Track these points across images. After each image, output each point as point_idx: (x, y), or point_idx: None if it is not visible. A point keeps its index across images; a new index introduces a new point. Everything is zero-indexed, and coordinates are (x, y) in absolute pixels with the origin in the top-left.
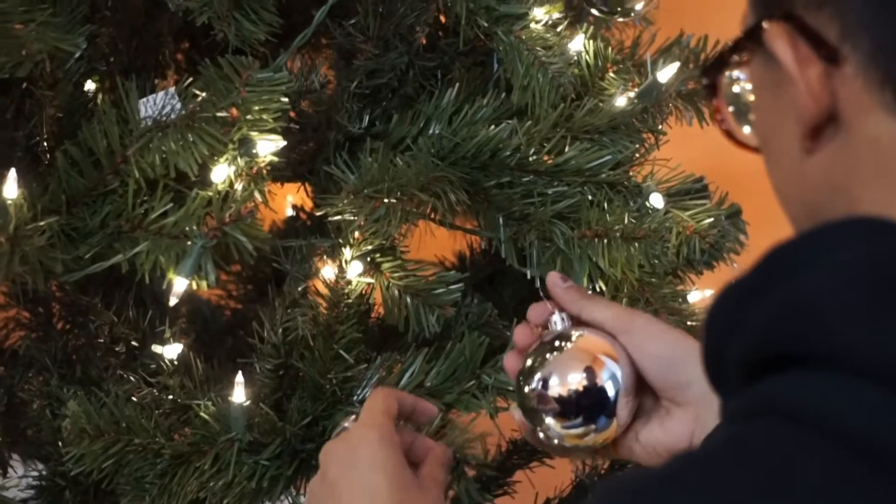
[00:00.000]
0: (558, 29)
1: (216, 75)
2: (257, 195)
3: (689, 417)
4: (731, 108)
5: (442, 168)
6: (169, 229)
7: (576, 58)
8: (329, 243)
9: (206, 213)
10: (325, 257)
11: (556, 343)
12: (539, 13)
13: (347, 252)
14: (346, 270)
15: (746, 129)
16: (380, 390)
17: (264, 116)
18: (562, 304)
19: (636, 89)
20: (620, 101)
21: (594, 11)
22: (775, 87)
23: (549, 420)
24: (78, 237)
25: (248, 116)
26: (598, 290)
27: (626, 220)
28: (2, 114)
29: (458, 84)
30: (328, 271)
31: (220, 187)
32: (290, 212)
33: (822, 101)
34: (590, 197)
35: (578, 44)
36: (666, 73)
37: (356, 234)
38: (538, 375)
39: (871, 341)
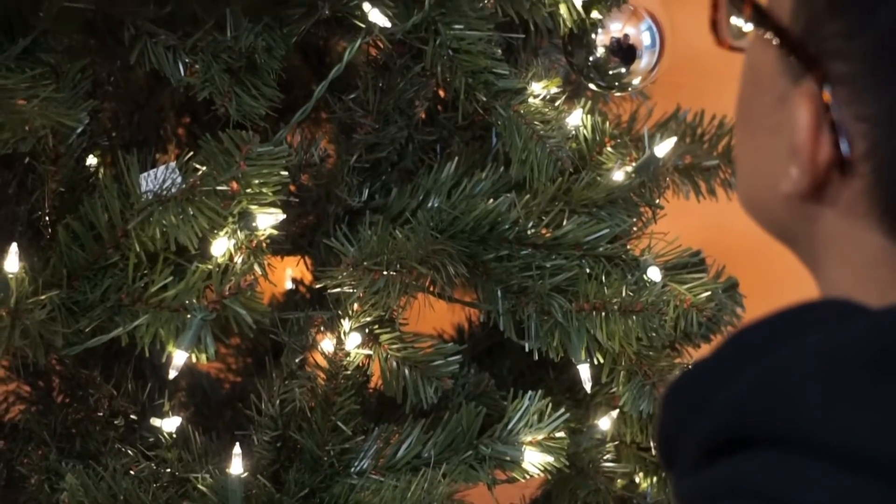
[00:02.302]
0: (556, 103)
1: (216, 149)
2: (257, 268)
3: None
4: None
5: (441, 241)
6: (169, 302)
7: (574, 132)
8: (328, 315)
9: (206, 286)
10: (323, 329)
11: None
12: (537, 88)
13: (346, 324)
14: (344, 342)
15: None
16: None
17: (264, 190)
18: None
19: (633, 163)
20: (618, 175)
21: (592, 86)
22: (779, 104)
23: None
24: (78, 311)
25: (248, 190)
26: (596, 363)
27: (623, 294)
28: (4, 188)
29: (457, 158)
30: (326, 343)
31: (219, 260)
32: (289, 285)
33: (817, 179)
34: (588, 270)
35: (576, 118)
36: (663, 148)
37: (355, 305)
38: None
39: (840, 425)
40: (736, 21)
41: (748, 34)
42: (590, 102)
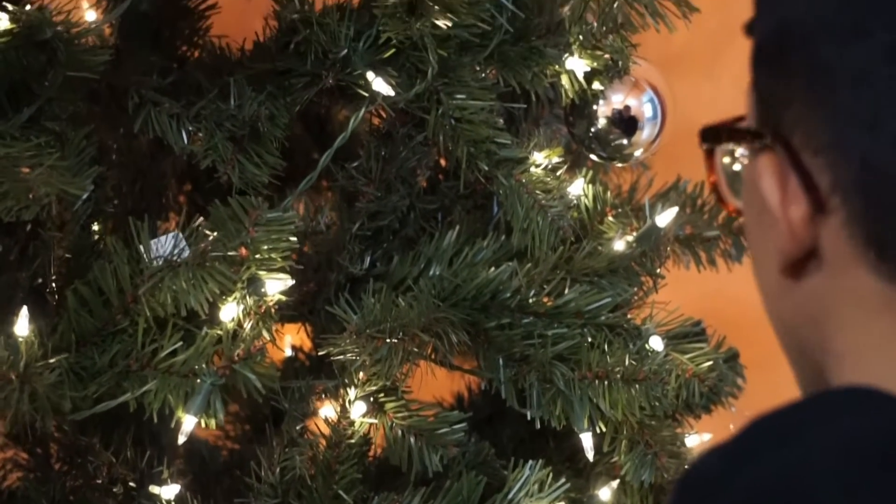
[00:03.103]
0: (558, 173)
1: (226, 215)
2: (265, 334)
3: None
4: (724, 177)
5: (443, 309)
6: (178, 367)
7: (575, 201)
8: (333, 383)
9: (215, 351)
10: (324, 396)
11: None
12: (539, 157)
13: (352, 392)
14: (349, 410)
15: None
16: None
17: (273, 255)
18: None
19: (635, 233)
20: (619, 245)
21: (593, 156)
22: (762, 200)
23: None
24: (87, 376)
25: (258, 256)
26: (598, 431)
27: (626, 363)
28: (7, 255)
29: (458, 226)
30: (328, 410)
31: (229, 326)
32: (288, 352)
33: (803, 242)
34: (589, 339)
35: (578, 188)
36: (664, 218)
37: (360, 374)
38: None
39: None
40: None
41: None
42: (591, 172)
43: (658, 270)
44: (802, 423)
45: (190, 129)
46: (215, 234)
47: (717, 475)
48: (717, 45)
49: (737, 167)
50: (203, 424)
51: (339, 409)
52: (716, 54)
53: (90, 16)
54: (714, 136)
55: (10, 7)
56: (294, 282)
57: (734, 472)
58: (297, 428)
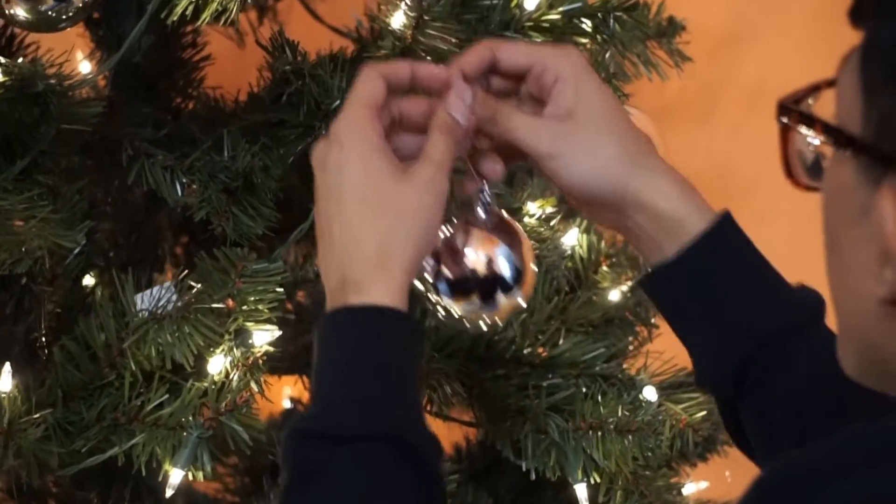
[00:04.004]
0: (552, 223)
1: (212, 267)
2: (253, 385)
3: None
4: (799, 155)
5: (438, 360)
6: (165, 420)
7: (569, 251)
8: None
9: (202, 403)
10: None
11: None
12: (533, 207)
13: None
14: None
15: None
16: (363, 72)
17: (260, 307)
18: (478, 116)
19: (629, 283)
20: (614, 295)
21: None
22: (862, 216)
23: (445, 296)
24: (74, 431)
25: (244, 307)
26: (592, 482)
27: (620, 413)
28: (1, 309)
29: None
30: None
31: (215, 378)
32: (287, 404)
33: None
34: (584, 389)
35: (572, 237)
36: None
37: None
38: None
39: None
40: (805, 157)
41: (823, 170)
42: (585, 222)
43: (653, 320)
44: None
45: (184, 181)
46: (200, 286)
47: (809, 484)
48: (710, 94)
49: (815, 141)
50: (192, 477)
51: None
52: (709, 103)
53: (84, 67)
54: (806, 123)
55: (2, 60)
56: (281, 333)
57: (826, 482)
58: None
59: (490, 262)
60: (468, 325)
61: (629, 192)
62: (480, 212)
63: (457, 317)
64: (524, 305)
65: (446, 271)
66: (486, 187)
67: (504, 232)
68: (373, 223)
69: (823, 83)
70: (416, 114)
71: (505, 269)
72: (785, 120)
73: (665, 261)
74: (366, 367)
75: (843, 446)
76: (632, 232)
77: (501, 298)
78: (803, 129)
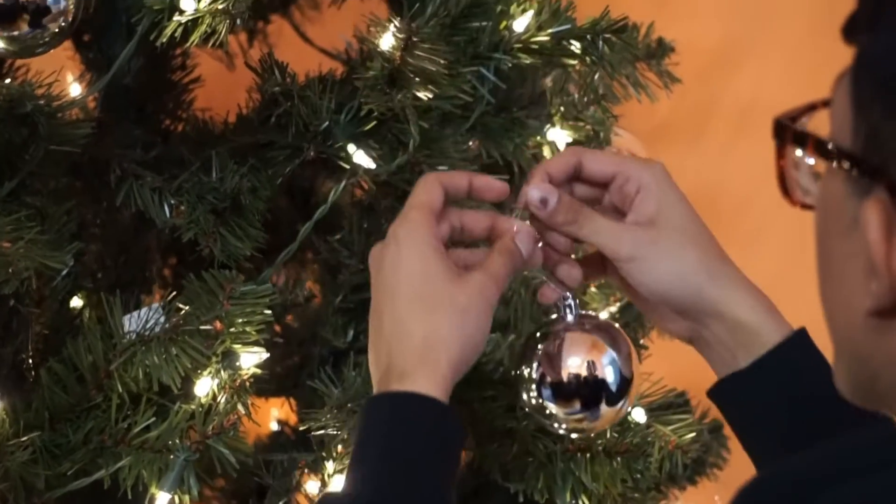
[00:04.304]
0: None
1: (200, 289)
2: (240, 408)
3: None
4: (793, 171)
5: None
6: (152, 443)
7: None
8: (312, 457)
9: (189, 426)
10: (307, 471)
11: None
12: None
13: (330, 465)
14: (328, 484)
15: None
16: (422, 179)
17: (248, 329)
18: (553, 227)
19: (618, 304)
20: (603, 316)
21: None
22: (852, 228)
23: (550, 406)
24: (60, 453)
25: (232, 329)
26: None
27: (608, 435)
28: None
29: None
30: (311, 485)
31: (203, 400)
32: (274, 426)
33: None
34: None
35: None
36: None
37: (339, 447)
38: (534, 365)
39: None
40: (801, 175)
41: (816, 186)
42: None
43: (642, 341)
44: (884, 453)
45: (172, 202)
46: (188, 308)
47: (795, 493)
48: (700, 115)
49: (810, 161)
50: (178, 500)
51: (319, 483)
52: (699, 125)
53: (74, 89)
54: (798, 140)
55: None
56: (269, 355)
57: (812, 493)
58: (282, 503)
59: (594, 367)
60: (572, 434)
61: (708, 300)
62: (570, 317)
63: (561, 426)
64: (628, 411)
65: (548, 376)
66: (570, 293)
67: (606, 335)
68: (422, 317)
69: (819, 102)
70: (478, 228)
71: (609, 373)
72: (779, 137)
73: (738, 369)
74: (400, 450)
75: (828, 456)
76: (704, 340)
77: (604, 406)
78: (796, 147)
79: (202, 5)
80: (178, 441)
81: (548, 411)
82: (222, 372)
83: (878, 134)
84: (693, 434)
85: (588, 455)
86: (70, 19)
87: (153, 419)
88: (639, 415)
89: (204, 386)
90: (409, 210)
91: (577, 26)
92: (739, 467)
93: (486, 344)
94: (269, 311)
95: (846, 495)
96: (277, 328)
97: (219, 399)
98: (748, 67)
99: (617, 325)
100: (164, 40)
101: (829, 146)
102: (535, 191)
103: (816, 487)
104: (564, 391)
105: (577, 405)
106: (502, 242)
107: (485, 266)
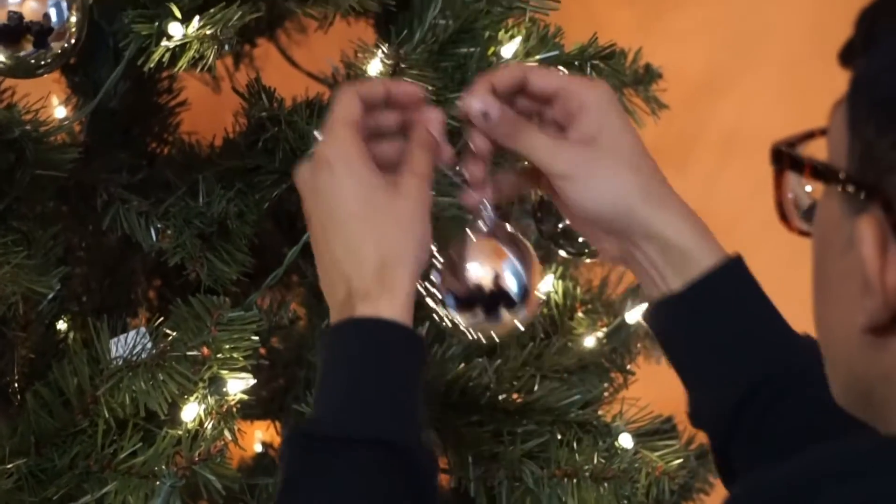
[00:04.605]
0: None
1: (187, 314)
2: (227, 433)
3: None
4: (791, 196)
5: None
6: (138, 469)
7: (545, 297)
8: None
9: (176, 451)
10: None
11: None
12: None
13: None
14: None
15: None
16: (340, 92)
17: (235, 355)
18: (491, 137)
19: (605, 329)
20: (590, 341)
21: (562, 252)
22: (848, 248)
23: (451, 309)
24: (46, 478)
25: (219, 355)
26: None
27: (595, 460)
28: None
29: (428, 322)
30: None
31: (189, 426)
32: (258, 448)
33: (892, 307)
34: (559, 436)
35: (548, 283)
36: (634, 314)
37: None
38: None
39: None
40: (797, 198)
41: (815, 209)
42: (561, 268)
43: (629, 367)
44: (862, 463)
45: (158, 226)
46: (175, 333)
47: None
48: (686, 141)
49: (808, 188)
50: None
51: None
52: (685, 151)
53: (60, 113)
54: (794, 165)
55: None
56: (255, 381)
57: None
58: None
59: (496, 276)
60: (474, 337)
61: (639, 219)
62: (482, 225)
63: (462, 328)
64: (522, 328)
65: (451, 284)
66: (487, 200)
67: (513, 246)
68: (373, 237)
69: (817, 131)
70: (389, 124)
71: (510, 283)
72: (777, 163)
73: (671, 293)
74: (368, 375)
75: (810, 464)
76: (635, 261)
77: (504, 313)
78: (794, 171)
79: (190, 31)
80: (164, 467)
81: (450, 316)
82: (209, 398)
83: (873, 152)
84: (680, 460)
85: (575, 480)
86: (73, 41)
87: (139, 444)
88: (625, 440)
89: (191, 412)
90: (332, 128)
91: (565, 52)
92: (726, 494)
93: (472, 369)
94: (256, 337)
95: (846, 495)
96: (263, 350)
97: (205, 425)
98: (735, 94)
99: (527, 242)
100: (152, 65)
101: (825, 167)
102: (477, 102)
103: (815, 489)
104: (464, 295)
105: (478, 310)
106: (417, 135)
107: (411, 166)
